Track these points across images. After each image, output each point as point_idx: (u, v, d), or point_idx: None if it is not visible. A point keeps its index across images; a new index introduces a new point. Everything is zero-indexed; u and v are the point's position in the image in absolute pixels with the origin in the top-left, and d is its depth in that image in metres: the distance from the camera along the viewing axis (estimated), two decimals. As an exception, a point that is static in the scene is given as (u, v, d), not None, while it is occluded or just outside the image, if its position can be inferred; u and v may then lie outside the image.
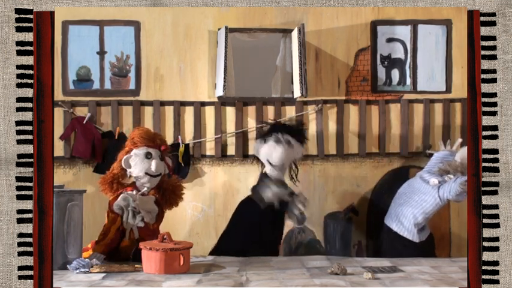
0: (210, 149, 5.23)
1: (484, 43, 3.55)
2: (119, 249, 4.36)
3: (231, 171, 5.17)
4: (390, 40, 5.32)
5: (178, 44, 5.22)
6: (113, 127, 5.14)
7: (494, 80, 3.54)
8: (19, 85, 3.51)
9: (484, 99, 3.54)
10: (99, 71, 5.20)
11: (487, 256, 3.51)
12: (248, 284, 3.57)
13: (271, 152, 4.73)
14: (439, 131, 5.29)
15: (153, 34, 5.20)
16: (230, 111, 5.25)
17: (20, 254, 3.47)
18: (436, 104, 5.31)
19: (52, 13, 3.51)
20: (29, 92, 3.51)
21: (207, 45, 5.23)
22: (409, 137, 5.28)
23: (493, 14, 3.55)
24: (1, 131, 3.50)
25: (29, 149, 3.50)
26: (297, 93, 5.15)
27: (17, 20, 3.52)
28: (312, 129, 5.24)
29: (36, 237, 3.45)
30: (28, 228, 3.48)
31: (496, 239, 3.50)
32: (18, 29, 3.51)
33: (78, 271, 3.87)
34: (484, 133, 3.54)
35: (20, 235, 3.48)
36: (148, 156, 4.44)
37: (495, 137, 3.54)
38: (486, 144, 3.54)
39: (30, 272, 3.46)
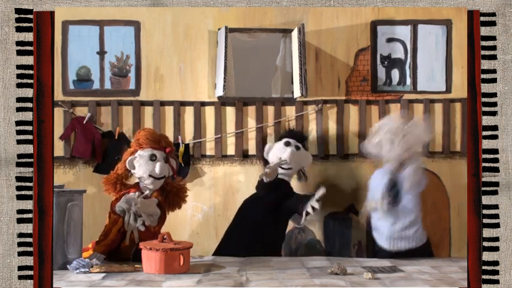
0: (210, 149, 5.23)
1: (484, 43, 3.55)
2: (119, 250, 4.36)
3: (231, 171, 5.17)
4: (390, 40, 5.32)
5: (178, 44, 5.22)
6: (113, 127, 5.14)
7: (494, 80, 3.54)
8: (19, 85, 3.51)
9: (484, 99, 3.54)
10: (99, 71, 5.19)
11: (487, 256, 3.51)
12: (248, 284, 3.57)
13: (281, 152, 4.91)
14: (439, 131, 5.29)
15: (153, 34, 5.20)
16: (230, 111, 5.25)
17: (20, 254, 3.47)
18: (436, 104, 5.31)
19: (52, 13, 3.52)
20: (29, 92, 3.51)
21: (207, 45, 5.22)
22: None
23: (493, 14, 3.55)
24: (1, 131, 3.50)
25: (29, 149, 3.50)
26: (297, 93, 5.15)
27: (17, 20, 3.52)
28: (312, 129, 5.24)
29: (36, 237, 3.45)
30: (28, 228, 3.48)
31: (496, 239, 3.50)
32: (18, 29, 3.51)
33: (78, 271, 3.87)
34: (484, 133, 3.54)
35: (20, 235, 3.48)
36: (153, 158, 4.44)
37: (495, 137, 3.54)
38: (486, 144, 3.54)
39: (30, 272, 3.46)
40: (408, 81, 5.33)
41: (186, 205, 4.77)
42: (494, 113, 3.54)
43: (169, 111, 5.21)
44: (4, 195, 3.48)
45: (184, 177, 5.11)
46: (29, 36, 3.52)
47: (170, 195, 4.53)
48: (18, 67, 3.51)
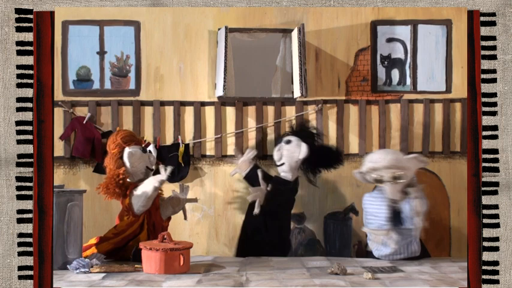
0: (210, 149, 5.23)
1: (484, 43, 3.55)
2: (121, 249, 4.38)
3: (231, 171, 5.16)
4: (390, 40, 5.32)
5: (178, 44, 5.22)
6: (113, 127, 5.14)
7: (494, 80, 3.54)
8: (19, 85, 3.51)
9: (484, 99, 3.54)
10: (99, 71, 5.19)
11: (487, 256, 3.51)
12: (248, 284, 3.57)
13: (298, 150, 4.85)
14: (439, 131, 5.29)
15: (153, 34, 5.20)
16: (230, 111, 5.25)
17: (20, 254, 3.47)
18: (436, 104, 5.31)
19: (52, 13, 3.52)
20: (29, 92, 3.51)
21: (207, 45, 5.22)
22: (409, 137, 5.27)
23: (493, 14, 3.55)
24: (1, 131, 3.50)
25: (29, 149, 3.50)
26: (297, 93, 5.15)
27: (17, 20, 3.52)
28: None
29: (36, 237, 3.45)
30: (28, 228, 3.48)
31: (496, 239, 3.50)
32: (18, 29, 3.51)
33: (78, 271, 3.87)
34: (484, 133, 3.54)
35: (20, 235, 3.48)
36: (144, 151, 4.57)
37: (495, 137, 3.54)
38: (486, 144, 3.54)
39: (30, 272, 3.46)
40: (408, 81, 5.33)
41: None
42: (494, 113, 3.54)
43: (169, 111, 5.21)
44: (4, 195, 3.48)
45: (184, 177, 5.12)
46: (29, 36, 3.52)
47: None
48: (18, 67, 3.51)
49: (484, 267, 3.50)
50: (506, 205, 3.52)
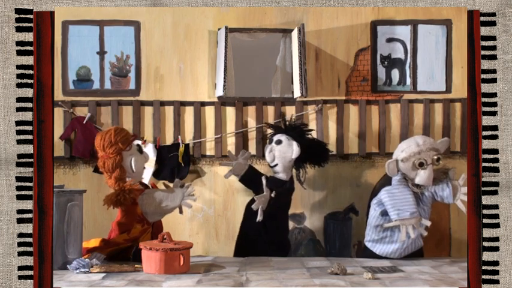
0: (210, 149, 5.23)
1: (484, 43, 3.55)
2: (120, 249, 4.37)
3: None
4: (390, 40, 5.32)
5: (178, 44, 5.22)
6: (113, 127, 5.14)
7: (494, 80, 3.54)
8: (19, 85, 3.51)
9: (484, 99, 3.54)
10: (99, 71, 5.20)
11: (487, 256, 3.51)
12: (248, 284, 3.57)
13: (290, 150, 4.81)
14: (439, 131, 5.29)
15: (153, 34, 5.20)
16: (230, 111, 5.25)
17: (20, 254, 3.47)
18: (436, 104, 5.31)
19: (52, 13, 3.51)
20: (29, 92, 3.51)
21: (207, 45, 5.23)
22: (409, 137, 5.27)
23: (493, 14, 3.55)
24: (1, 131, 3.50)
25: (29, 149, 3.50)
26: (297, 93, 5.15)
27: (17, 20, 3.52)
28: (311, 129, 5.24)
29: (36, 237, 3.45)
30: (28, 228, 3.48)
31: (496, 239, 3.50)
32: (18, 29, 3.51)
33: (78, 271, 3.87)
34: (484, 133, 3.54)
35: (20, 235, 3.48)
36: (140, 151, 4.49)
37: (495, 137, 3.54)
38: (486, 144, 3.54)
39: (30, 272, 3.46)
40: (408, 81, 5.33)
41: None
42: (494, 113, 3.54)
43: (169, 111, 5.21)
44: (4, 195, 3.48)
45: (184, 177, 5.12)
46: (29, 36, 3.52)
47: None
48: (18, 67, 3.51)
49: (484, 267, 3.50)
50: (506, 205, 3.52)
